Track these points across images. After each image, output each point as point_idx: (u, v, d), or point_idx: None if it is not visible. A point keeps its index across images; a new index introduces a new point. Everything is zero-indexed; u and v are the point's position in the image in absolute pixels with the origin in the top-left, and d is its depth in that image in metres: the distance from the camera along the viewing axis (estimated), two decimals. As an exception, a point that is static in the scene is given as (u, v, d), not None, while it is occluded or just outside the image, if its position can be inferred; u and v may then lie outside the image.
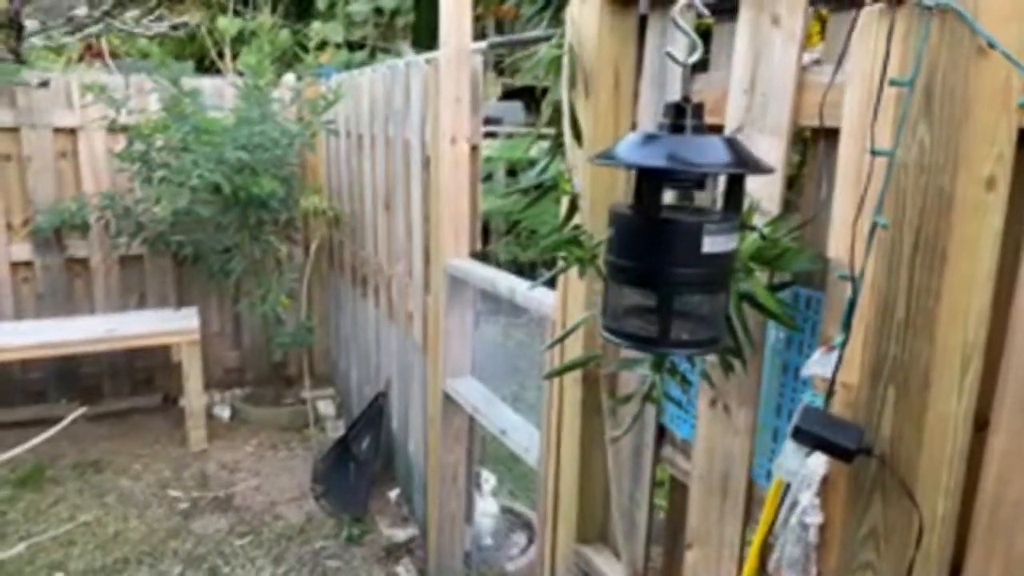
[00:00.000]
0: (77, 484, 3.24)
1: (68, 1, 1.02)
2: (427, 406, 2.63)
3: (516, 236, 5.51)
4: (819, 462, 0.94)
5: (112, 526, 2.93)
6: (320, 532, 2.93)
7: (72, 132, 3.71)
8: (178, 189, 3.03)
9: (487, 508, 2.77)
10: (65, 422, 2.36)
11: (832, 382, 0.92)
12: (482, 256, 2.47)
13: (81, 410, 2.31)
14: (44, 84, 3.41)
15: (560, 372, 1.48)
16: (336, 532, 2.92)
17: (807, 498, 0.96)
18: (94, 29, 1.28)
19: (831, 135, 0.96)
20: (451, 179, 2.31)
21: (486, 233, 5.29)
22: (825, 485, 0.94)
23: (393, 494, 3.12)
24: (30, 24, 1.01)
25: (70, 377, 3.89)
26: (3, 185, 3.64)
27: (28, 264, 3.75)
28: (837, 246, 0.93)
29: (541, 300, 1.72)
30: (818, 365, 0.92)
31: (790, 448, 0.93)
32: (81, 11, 1.14)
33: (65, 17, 1.04)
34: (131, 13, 1.57)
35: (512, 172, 5.77)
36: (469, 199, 2.35)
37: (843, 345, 0.90)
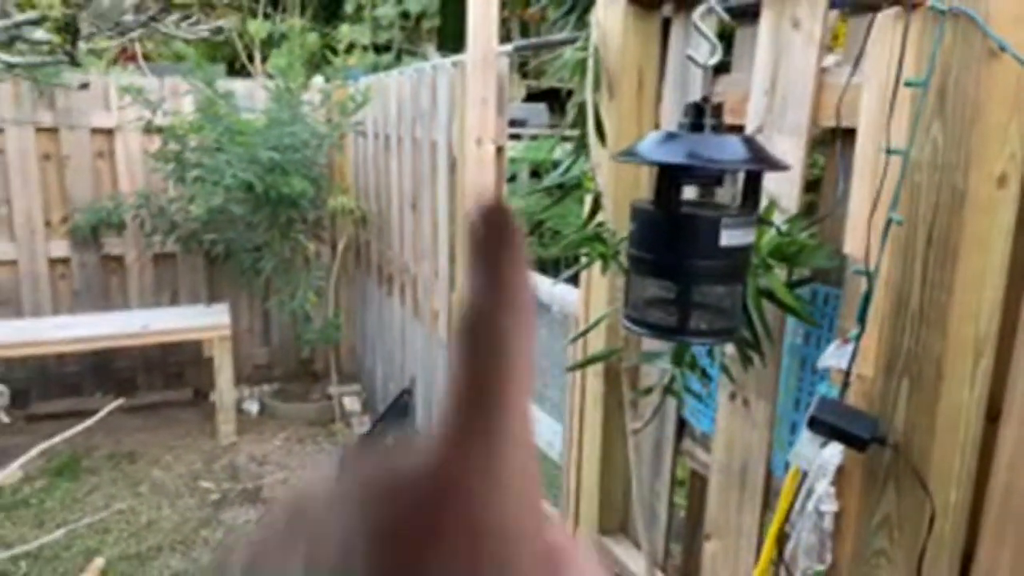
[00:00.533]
0: (112, 474, 3.33)
1: (119, 7, 1.07)
2: (451, 402, 2.68)
3: (539, 236, 5.55)
4: (835, 452, 0.97)
5: (145, 515, 3.02)
6: (346, 524, 2.99)
7: (109, 133, 3.82)
8: (213, 188, 3.12)
9: (509, 503, 2.81)
10: (101, 413, 2.45)
11: (847, 374, 0.94)
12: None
13: (117, 402, 2.39)
14: (84, 86, 3.52)
15: (583, 365, 1.52)
16: (361, 525, 2.98)
17: (823, 487, 0.98)
18: (136, 33, 1.35)
19: (848, 135, 0.98)
20: (477, 179, 2.36)
21: (510, 233, 5.31)
22: (840, 474, 0.97)
23: (417, 489, 3.17)
24: (84, 29, 1.07)
25: (105, 371, 4.00)
26: (43, 184, 3.76)
27: (66, 261, 3.87)
28: (853, 242, 0.95)
29: (564, 296, 1.76)
30: (833, 357, 0.95)
31: (806, 437, 0.96)
32: (129, 17, 1.20)
33: (115, 22, 1.10)
34: (171, 18, 1.64)
35: (536, 173, 5.82)
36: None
37: (858, 338, 0.92)
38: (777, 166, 0.76)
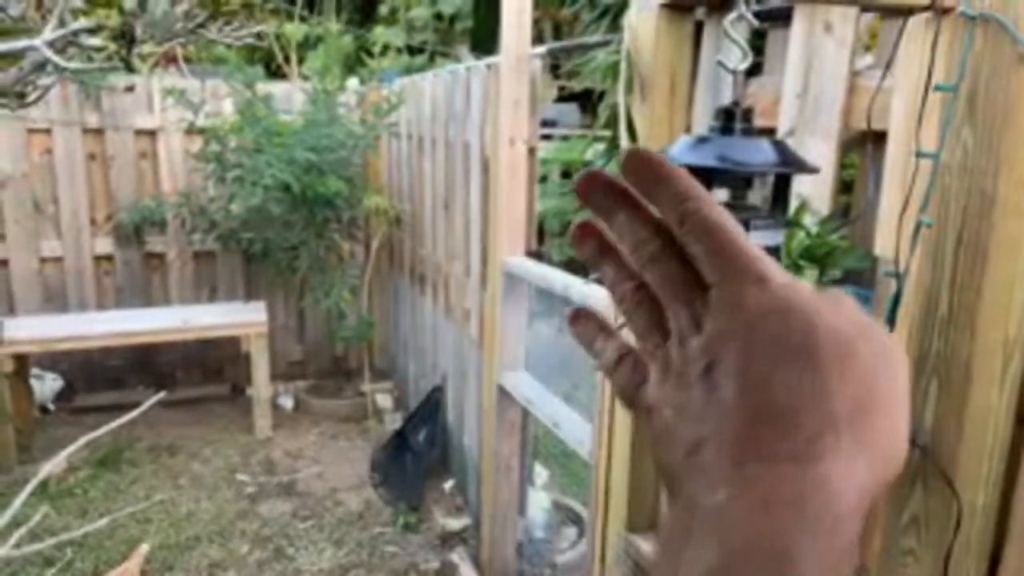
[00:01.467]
0: (152, 466, 3.44)
1: (171, 16, 1.12)
2: (482, 400, 2.72)
3: (570, 237, 5.55)
4: (863, 453, 0.97)
5: (184, 506, 3.11)
6: (378, 519, 3.05)
7: (152, 134, 3.93)
8: (252, 188, 3.20)
9: (539, 501, 2.83)
10: (143, 407, 2.52)
11: (876, 375, 0.95)
12: (536, 255, 2.54)
13: (159, 396, 2.47)
14: (130, 88, 3.63)
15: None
16: (393, 520, 3.03)
17: (851, 487, 0.99)
18: (185, 39, 1.40)
19: (879, 138, 0.99)
20: (508, 180, 2.39)
21: (540, 233, 5.37)
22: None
23: (448, 485, 3.22)
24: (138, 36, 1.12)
25: (147, 365, 4.12)
26: (89, 183, 3.89)
27: (110, 258, 3.99)
28: (883, 244, 0.96)
29: (595, 296, 1.78)
30: (862, 358, 0.96)
31: (834, 437, 0.97)
32: (179, 24, 1.25)
33: (167, 30, 1.14)
34: (217, 24, 1.70)
35: (567, 174, 5.83)
36: (526, 199, 2.42)
37: (887, 339, 0.93)
38: (806, 168, 0.77)
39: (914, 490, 0.92)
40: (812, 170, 0.80)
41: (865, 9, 1.03)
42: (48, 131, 3.77)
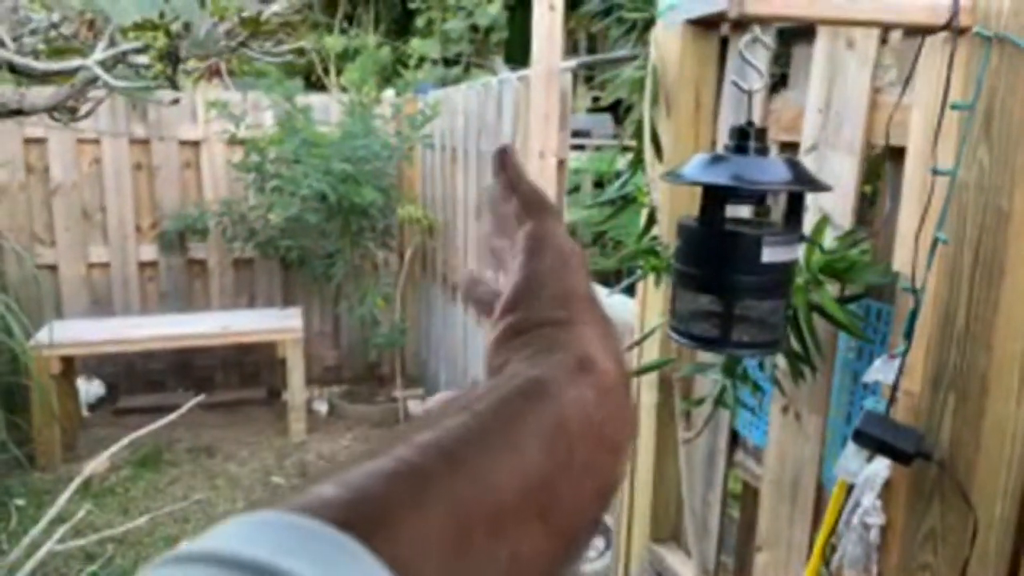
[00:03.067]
0: (191, 467, 3.53)
1: (214, 37, 1.17)
2: (511, 408, 2.74)
3: (601, 247, 5.57)
4: (882, 465, 0.98)
5: (221, 506, 3.19)
6: (407, 523, 3.09)
7: (196, 144, 4.06)
8: (290, 198, 3.29)
9: (566, 510, 2.84)
10: (182, 410, 2.61)
11: (894, 388, 0.96)
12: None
13: (198, 399, 2.55)
14: (175, 101, 3.75)
15: (637, 373, 1.56)
16: (422, 524, 3.07)
17: (869, 500, 1.00)
18: (227, 57, 1.47)
19: (898, 154, 1.00)
20: (539, 191, 2.42)
21: (572, 243, 5.38)
22: (887, 488, 0.98)
23: (476, 492, 3.25)
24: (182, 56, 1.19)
25: (187, 368, 4.24)
26: (135, 191, 4.03)
27: (154, 264, 4.13)
28: (902, 260, 0.97)
29: (620, 306, 1.80)
30: (879, 372, 0.97)
31: (851, 450, 0.98)
32: (222, 43, 1.31)
33: (212, 49, 1.20)
34: (258, 42, 1.77)
35: (599, 184, 5.84)
36: (556, 210, 2.45)
37: (905, 353, 0.94)
38: (819, 187, 0.79)
39: (931, 504, 0.92)
40: (825, 188, 0.82)
41: (885, 29, 1.04)
42: (97, 141, 3.92)
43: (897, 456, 0.92)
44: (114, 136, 3.94)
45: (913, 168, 0.95)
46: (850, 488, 1.03)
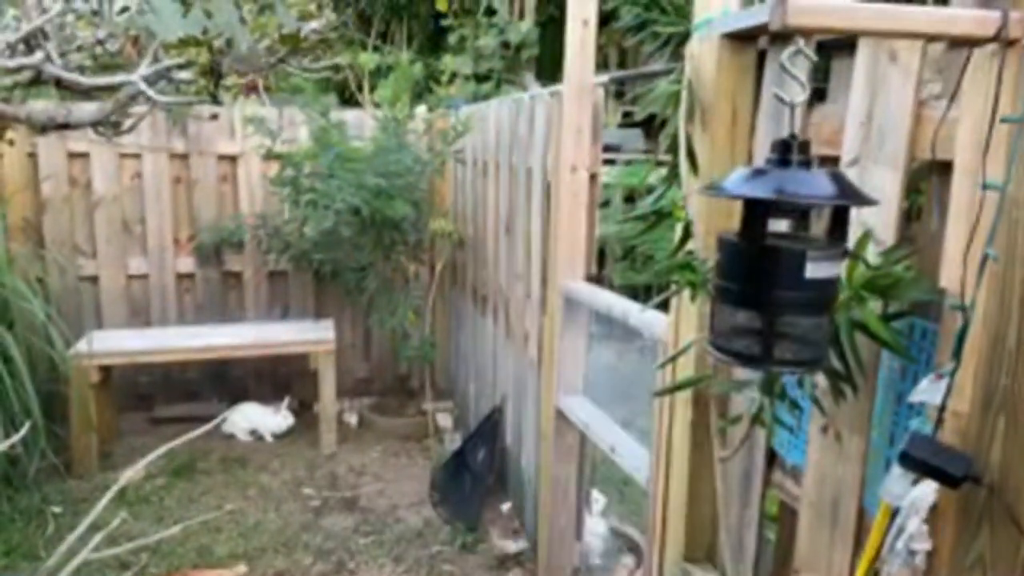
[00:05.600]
0: (224, 477, 3.57)
1: (255, 52, 1.20)
2: (540, 422, 2.73)
3: (631, 261, 5.55)
4: (929, 489, 0.95)
5: (253, 517, 3.22)
6: (437, 537, 3.08)
7: (233, 159, 4.14)
8: (324, 212, 3.33)
9: (596, 528, 2.81)
10: (217, 420, 2.64)
11: (941, 410, 0.93)
12: (597, 280, 2.55)
13: (232, 410, 2.58)
14: (214, 117, 3.85)
15: (672, 390, 1.54)
16: (451, 539, 3.06)
17: (915, 524, 0.97)
18: (265, 71, 1.51)
19: (944, 168, 0.98)
20: (570, 206, 2.41)
21: (601, 257, 5.38)
22: (933, 512, 0.95)
23: (505, 507, 3.23)
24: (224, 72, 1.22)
25: (221, 378, 4.30)
26: (173, 205, 4.12)
27: (191, 276, 4.20)
28: (949, 276, 0.95)
29: (653, 322, 1.79)
30: (926, 392, 0.94)
31: (896, 473, 0.95)
32: (262, 59, 1.35)
33: (252, 65, 1.23)
34: (295, 57, 1.81)
35: (630, 198, 5.83)
36: (586, 225, 2.45)
37: (953, 373, 0.91)
38: (864, 201, 0.78)
39: (980, 529, 0.89)
40: (871, 202, 0.80)
41: (930, 40, 1.02)
42: (138, 156, 4.02)
43: (945, 480, 0.90)
44: (154, 151, 4.04)
45: (960, 182, 0.92)
46: (894, 512, 1.00)
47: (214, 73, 1.14)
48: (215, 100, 1.19)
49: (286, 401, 4.05)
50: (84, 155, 3.94)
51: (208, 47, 1.07)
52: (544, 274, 2.72)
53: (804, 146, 0.78)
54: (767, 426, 1.24)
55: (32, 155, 3.88)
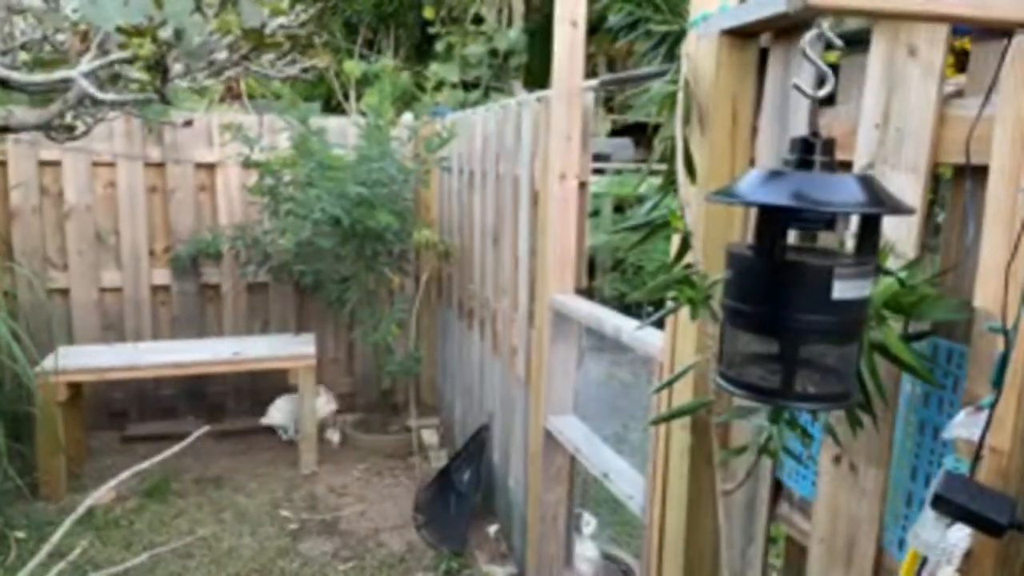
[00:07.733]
0: (198, 499, 3.42)
1: (209, 46, 1.10)
2: (528, 442, 2.61)
3: (622, 272, 5.45)
4: (962, 535, 0.84)
5: (227, 541, 3.07)
6: (420, 563, 2.95)
7: (211, 167, 4.01)
8: (302, 222, 3.20)
9: (587, 552, 2.69)
10: (190, 439, 2.50)
11: (979, 446, 0.82)
12: (587, 292, 2.44)
13: (204, 429, 2.44)
14: (188, 123, 3.71)
15: (667, 419, 1.42)
16: (435, 564, 2.92)
17: (947, 574, 0.86)
18: (232, 72, 1.39)
19: (977, 173, 0.87)
20: (559, 215, 2.30)
21: (591, 268, 5.27)
22: (967, 559, 0.84)
23: (492, 529, 3.10)
24: (175, 67, 1.10)
25: (198, 395, 4.15)
26: (148, 215, 3.98)
27: (166, 288, 4.06)
28: (985, 294, 0.84)
29: (648, 341, 1.67)
30: (963, 427, 0.83)
31: (929, 518, 0.83)
32: (221, 55, 1.23)
33: (206, 61, 1.12)
34: (267, 57, 1.70)
35: (619, 208, 5.74)
36: (576, 235, 2.34)
37: (993, 405, 0.80)
38: (899, 209, 0.67)
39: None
40: (907, 211, 0.69)
41: (958, 31, 0.92)
42: (112, 164, 3.88)
43: (985, 527, 0.78)
44: (129, 159, 3.90)
45: (997, 189, 0.82)
46: (923, 559, 0.89)
47: (160, 68, 1.02)
48: (163, 99, 1.07)
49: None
50: (56, 163, 3.80)
51: (152, 37, 0.95)
52: (532, 286, 2.60)
53: (828, 146, 0.67)
54: (774, 456, 1.12)
55: (1, 163, 3.73)
